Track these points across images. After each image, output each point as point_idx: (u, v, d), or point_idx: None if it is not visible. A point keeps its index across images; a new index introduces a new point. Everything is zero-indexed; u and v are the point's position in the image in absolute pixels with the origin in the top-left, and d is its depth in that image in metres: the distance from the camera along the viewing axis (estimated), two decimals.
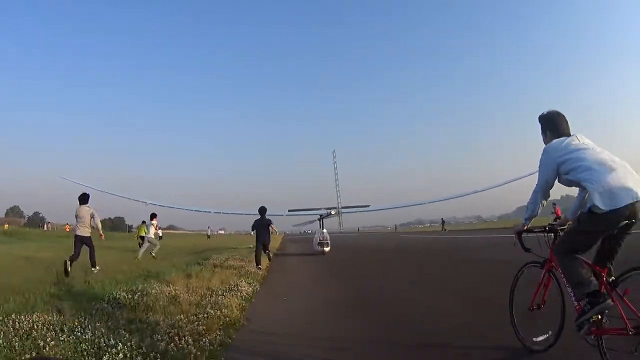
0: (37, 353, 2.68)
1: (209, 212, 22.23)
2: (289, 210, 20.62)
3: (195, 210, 22.35)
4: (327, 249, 14.89)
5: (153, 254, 11.95)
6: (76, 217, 7.94)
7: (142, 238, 19.50)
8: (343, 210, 20.61)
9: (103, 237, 9.00)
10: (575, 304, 2.29)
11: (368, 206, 21.46)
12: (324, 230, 16.37)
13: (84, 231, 7.83)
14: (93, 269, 7.67)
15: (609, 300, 2.14)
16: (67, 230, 43.66)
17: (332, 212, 18.59)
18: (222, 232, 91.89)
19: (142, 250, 11.94)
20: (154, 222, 13.02)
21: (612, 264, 2.29)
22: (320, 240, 15.18)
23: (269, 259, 10.38)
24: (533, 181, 2.57)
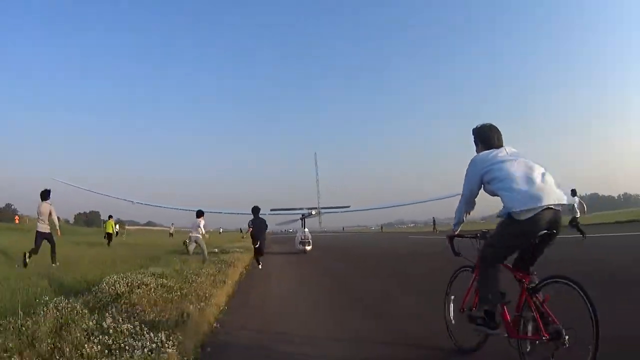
0: None
1: (193, 210, 22.29)
2: (271, 210, 20.86)
3: (180, 209, 22.36)
4: (308, 247, 15.46)
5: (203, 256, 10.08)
6: (37, 213, 8.11)
7: (109, 234, 19.35)
8: (324, 210, 20.99)
9: (59, 233, 9.35)
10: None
11: (349, 207, 21.94)
12: (306, 230, 16.85)
13: (45, 227, 8.06)
14: (53, 265, 7.68)
15: (498, 331, 2.44)
16: (17, 222, 41.75)
17: (313, 212, 18.97)
18: (221, 229, 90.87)
19: (205, 253, 10.24)
20: (201, 220, 10.88)
21: (532, 270, 2.47)
22: (302, 239, 15.78)
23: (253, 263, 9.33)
24: None
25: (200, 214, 10.98)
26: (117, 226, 38.18)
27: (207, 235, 11.28)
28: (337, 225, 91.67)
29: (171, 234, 38.22)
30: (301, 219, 19.24)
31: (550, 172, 2.45)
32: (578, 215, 12.48)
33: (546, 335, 2.19)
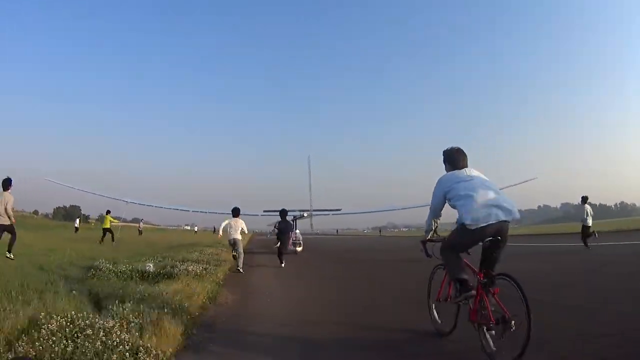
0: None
1: (188, 210, 22.90)
2: (264, 211, 21.45)
3: (174, 209, 22.85)
4: (299, 248, 16.22)
5: (240, 269, 9.29)
6: None
7: (106, 230, 19.43)
8: (315, 212, 21.66)
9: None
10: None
11: (340, 209, 22.62)
12: (297, 231, 17.62)
13: (5, 219, 8.03)
14: (7, 254, 7.82)
15: (473, 291, 3.01)
16: None
17: (305, 215, 19.66)
18: (188, 227, 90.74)
19: (240, 260, 9.51)
20: (239, 220, 10.00)
21: (492, 270, 3.08)
22: (293, 240, 16.25)
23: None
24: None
25: (237, 212, 10.24)
26: (78, 221, 36.95)
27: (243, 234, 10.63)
28: (327, 228, 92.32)
29: (140, 232, 36.24)
30: (293, 220, 19.91)
31: (500, 191, 3.14)
32: (589, 223, 12.45)
33: (493, 321, 2.85)
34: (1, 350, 2.81)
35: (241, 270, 9.26)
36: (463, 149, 3.47)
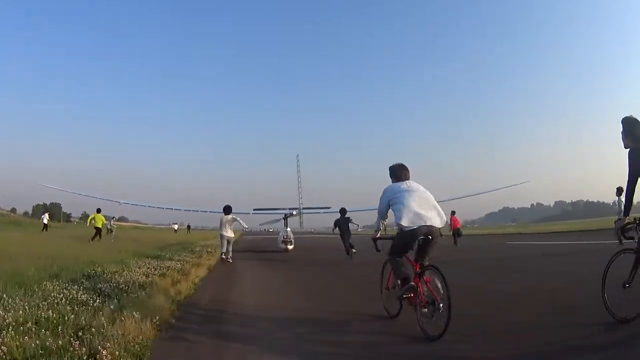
0: None
1: (180, 209, 23.82)
2: (254, 210, 22.19)
3: (166, 208, 23.72)
4: (290, 247, 16.47)
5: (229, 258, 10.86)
6: None
7: (98, 229, 20.03)
8: (305, 210, 22.47)
9: None
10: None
11: (329, 208, 23.47)
12: (288, 229, 17.90)
13: None
14: None
15: (412, 284, 3.79)
16: None
17: (294, 213, 20.44)
18: (175, 226, 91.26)
19: (229, 252, 10.99)
20: (230, 216, 11.13)
21: (424, 262, 3.92)
22: (284, 238, 16.82)
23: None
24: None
25: (229, 210, 11.24)
26: (46, 217, 34.22)
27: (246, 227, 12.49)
28: (318, 226, 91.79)
29: (110, 230, 30.49)
30: (284, 218, 20.27)
31: (433, 200, 4.09)
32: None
33: (423, 302, 3.68)
34: None
35: (230, 259, 10.80)
36: (405, 165, 4.41)
